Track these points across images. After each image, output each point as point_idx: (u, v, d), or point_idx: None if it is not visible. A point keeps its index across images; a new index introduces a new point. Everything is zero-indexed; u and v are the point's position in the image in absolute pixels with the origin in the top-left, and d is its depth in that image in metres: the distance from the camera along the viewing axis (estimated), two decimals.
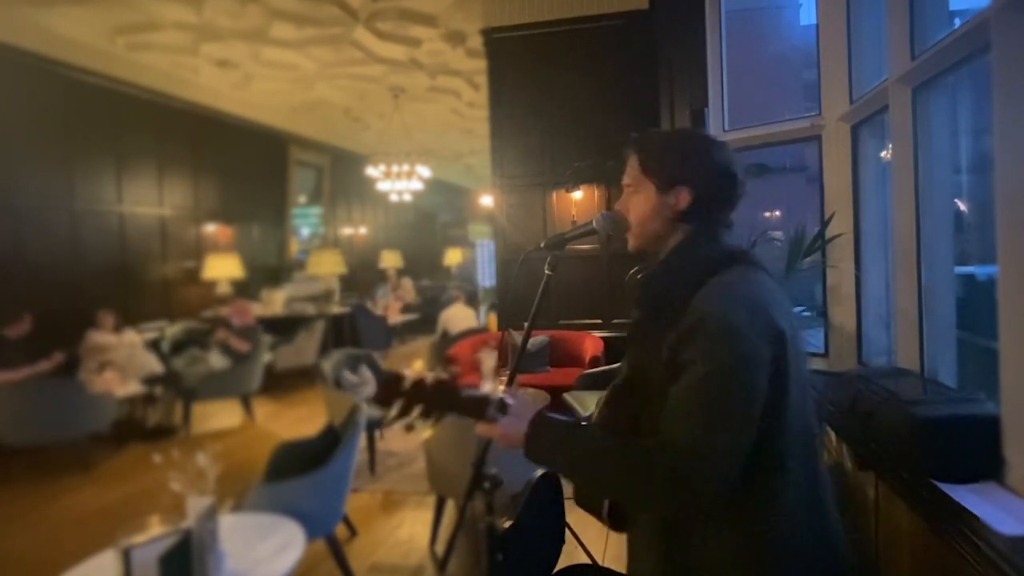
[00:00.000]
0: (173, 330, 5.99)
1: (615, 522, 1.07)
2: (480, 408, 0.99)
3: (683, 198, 1.01)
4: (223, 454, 1.96)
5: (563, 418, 1.00)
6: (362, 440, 3.15)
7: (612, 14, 4.83)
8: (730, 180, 1.02)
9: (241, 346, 5.32)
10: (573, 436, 0.96)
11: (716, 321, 0.88)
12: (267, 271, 8.13)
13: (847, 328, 2.57)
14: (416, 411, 0.96)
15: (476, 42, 5.51)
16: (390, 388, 0.97)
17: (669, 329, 0.92)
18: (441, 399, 0.97)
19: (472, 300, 9.90)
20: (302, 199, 9.20)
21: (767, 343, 0.89)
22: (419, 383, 0.97)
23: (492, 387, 1.02)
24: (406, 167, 7.91)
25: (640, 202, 1.05)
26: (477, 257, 15.38)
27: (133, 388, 4.84)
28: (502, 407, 0.99)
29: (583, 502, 1.13)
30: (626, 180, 1.08)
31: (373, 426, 3.90)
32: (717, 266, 0.96)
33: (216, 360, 5.31)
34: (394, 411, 0.96)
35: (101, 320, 4.98)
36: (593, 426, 1.00)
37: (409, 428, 0.98)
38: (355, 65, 6.53)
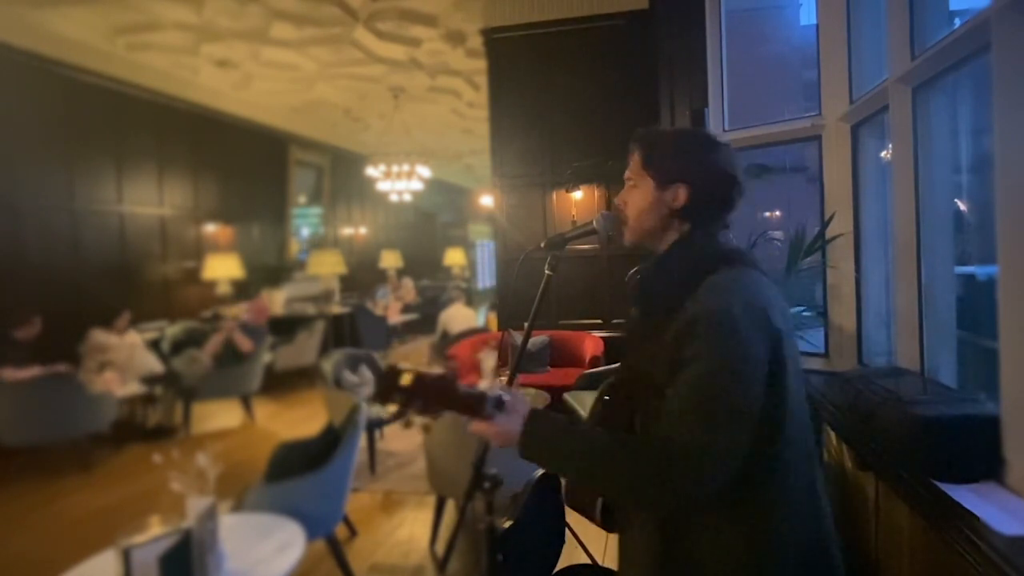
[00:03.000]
0: (173, 330, 5.99)
1: (607, 522, 1.07)
2: (477, 405, 0.97)
3: (680, 195, 1.01)
4: (223, 454, 1.96)
5: (558, 416, 1.00)
6: (362, 440, 3.15)
7: (612, 14, 4.83)
8: (729, 181, 1.02)
9: (244, 343, 5.31)
10: (568, 434, 0.95)
11: (714, 319, 0.88)
12: (267, 271, 8.13)
13: (847, 328, 2.57)
14: (415, 406, 0.95)
15: (476, 42, 5.51)
16: (390, 384, 0.95)
17: (666, 327, 0.92)
18: (439, 395, 0.96)
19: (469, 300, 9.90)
20: (302, 199, 9.20)
21: (764, 342, 0.89)
22: (418, 379, 0.95)
23: (488, 384, 1.01)
24: (406, 167, 7.91)
25: (638, 197, 1.05)
26: (477, 257, 15.39)
27: (133, 388, 4.85)
28: (499, 404, 0.98)
29: (574, 502, 1.12)
30: (627, 174, 1.08)
31: (373, 426, 3.90)
32: (714, 265, 0.96)
33: (205, 357, 5.29)
34: (393, 407, 0.96)
35: (120, 320, 5.01)
36: (589, 424, 1.00)
37: (407, 425, 0.98)
38: (355, 65, 6.53)
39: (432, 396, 0.96)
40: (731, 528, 0.92)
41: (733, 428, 0.86)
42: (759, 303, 0.91)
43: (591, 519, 1.09)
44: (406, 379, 0.95)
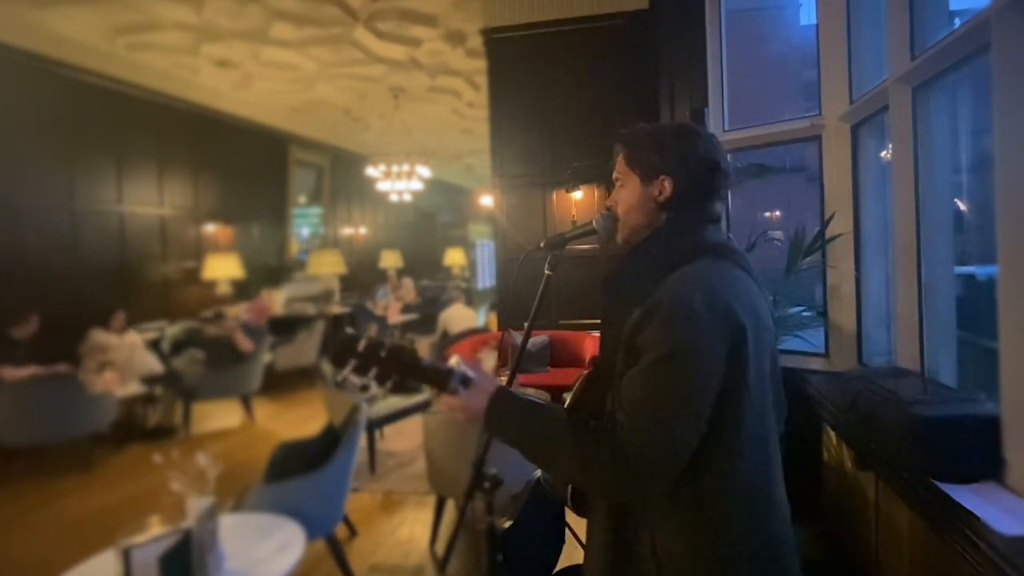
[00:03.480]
0: (173, 330, 5.99)
1: (577, 506, 1.08)
2: (442, 379, 0.98)
3: (665, 188, 1.01)
4: (223, 454, 1.97)
5: (524, 396, 1.01)
6: (362, 440, 3.15)
7: (612, 14, 4.83)
8: (712, 169, 1.01)
9: (245, 344, 5.31)
10: (531, 414, 0.96)
11: (671, 308, 0.88)
12: (267, 271, 8.13)
13: (847, 328, 2.57)
14: (372, 373, 0.95)
15: (476, 42, 5.51)
16: (346, 348, 0.95)
17: (632, 315, 0.92)
18: (399, 364, 0.96)
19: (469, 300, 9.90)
20: (302, 199, 9.20)
21: (723, 337, 0.88)
22: (374, 345, 0.95)
23: (455, 361, 1.01)
24: (406, 167, 7.91)
25: (626, 195, 1.06)
26: (477, 257, 15.39)
27: (133, 388, 4.85)
28: (464, 381, 0.98)
29: (549, 485, 1.14)
30: (615, 174, 1.09)
31: (373, 426, 3.90)
32: (687, 257, 0.96)
33: (198, 355, 5.29)
34: (347, 370, 0.95)
35: (114, 320, 5.00)
36: (554, 406, 1.00)
37: (364, 389, 0.98)
38: (355, 65, 6.53)
39: (391, 364, 0.96)
40: (681, 518, 0.92)
41: (680, 421, 0.85)
42: (724, 296, 0.90)
43: (563, 502, 1.10)
44: (361, 344, 0.95)
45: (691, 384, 0.86)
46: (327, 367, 4.28)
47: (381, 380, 0.96)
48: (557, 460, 0.93)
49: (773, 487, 0.96)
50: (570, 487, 1.07)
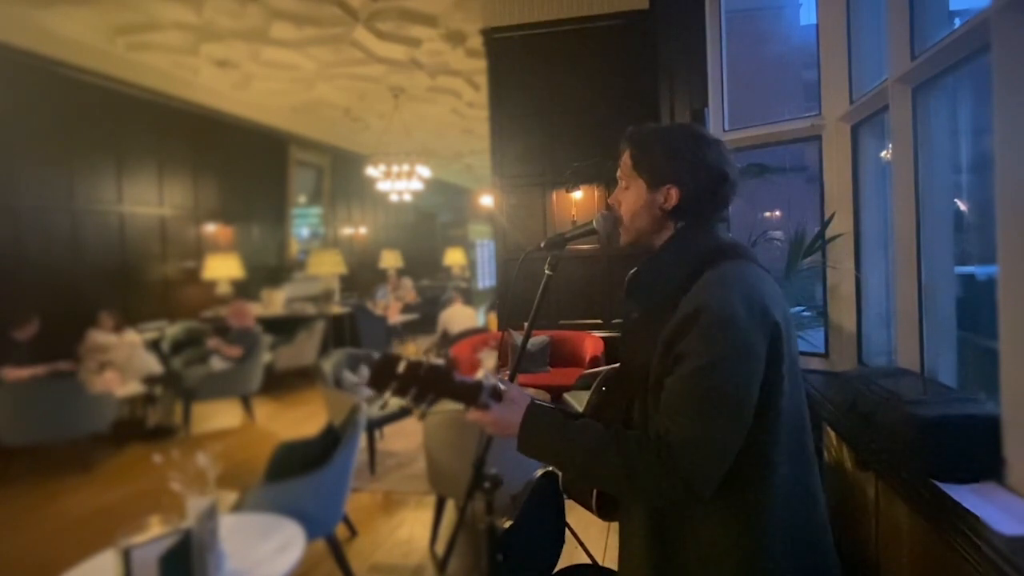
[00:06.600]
0: (173, 330, 5.99)
1: (604, 511, 1.08)
2: (473, 394, 0.98)
3: (672, 196, 1.01)
4: (223, 454, 1.97)
5: (557, 409, 1.00)
6: (362, 440, 3.16)
7: (612, 14, 4.83)
8: (720, 180, 1.01)
9: (232, 352, 5.33)
10: (568, 428, 0.96)
11: (712, 313, 0.88)
12: (267, 271, 8.13)
13: (847, 328, 2.57)
14: (410, 394, 0.96)
15: (476, 42, 5.51)
16: (385, 371, 0.96)
17: (663, 321, 0.93)
18: (434, 383, 0.97)
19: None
20: (302, 199, 9.20)
21: (763, 336, 0.89)
22: (413, 366, 0.96)
23: (485, 374, 1.01)
24: (406, 167, 7.91)
25: (631, 198, 1.05)
26: (477, 257, 15.39)
27: (133, 388, 4.85)
28: (495, 394, 0.98)
29: (571, 491, 1.13)
30: (619, 174, 1.08)
31: (373, 426, 3.90)
32: (711, 259, 0.96)
33: (216, 363, 5.32)
34: (388, 394, 0.96)
35: (101, 321, 4.99)
36: (588, 418, 1.01)
37: (422, 416, 0.99)
38: (355, 65, 6.53)
39: (426, 383, 0.96)
40: (723, 518, 0.93)
41: (728, 424, 0.87)
42: (759, 297, 0.91)
43: (587, 508, 1.09)
44: (401, 366, 0.95)
45: (737, 388, 0.87)
46: (327, 367, 4.28)
47: (419, 400, 0.96)
48: (600, 471, 0.93)
49: (809, 476, 0.98)
50: (595, 492, 1.07)
